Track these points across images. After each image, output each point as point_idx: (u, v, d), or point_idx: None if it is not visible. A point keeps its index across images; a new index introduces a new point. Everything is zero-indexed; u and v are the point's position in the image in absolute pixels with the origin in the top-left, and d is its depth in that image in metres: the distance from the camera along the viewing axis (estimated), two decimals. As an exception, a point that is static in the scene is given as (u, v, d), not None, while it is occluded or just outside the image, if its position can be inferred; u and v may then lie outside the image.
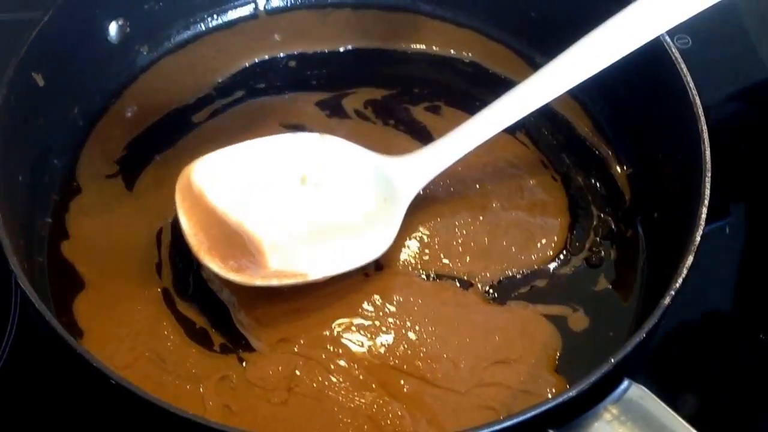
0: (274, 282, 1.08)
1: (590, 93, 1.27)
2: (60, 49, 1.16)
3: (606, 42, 1.12)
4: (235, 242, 1.10)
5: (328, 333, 1.09)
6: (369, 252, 1.12)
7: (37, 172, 1.17)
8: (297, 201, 1.14)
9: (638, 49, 1.14)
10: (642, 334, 0.93)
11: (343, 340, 1.09)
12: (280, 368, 1.06)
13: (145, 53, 1.31)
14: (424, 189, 1.17)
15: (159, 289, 1.13)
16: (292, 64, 1.36)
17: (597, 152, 1.26)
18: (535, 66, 1.28)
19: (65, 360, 0.96)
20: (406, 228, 1.15)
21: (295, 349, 1.08)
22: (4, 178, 1.06)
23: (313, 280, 1.09)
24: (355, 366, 1.07)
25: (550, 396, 1.04)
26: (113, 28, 1.25)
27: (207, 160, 1.12)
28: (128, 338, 1.09)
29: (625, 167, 1.23)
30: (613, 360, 0.91)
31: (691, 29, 1.26)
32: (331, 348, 1.08)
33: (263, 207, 1.13)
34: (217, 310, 1.11)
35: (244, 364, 1.07)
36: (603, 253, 1.16)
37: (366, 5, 1.36)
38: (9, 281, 1.14)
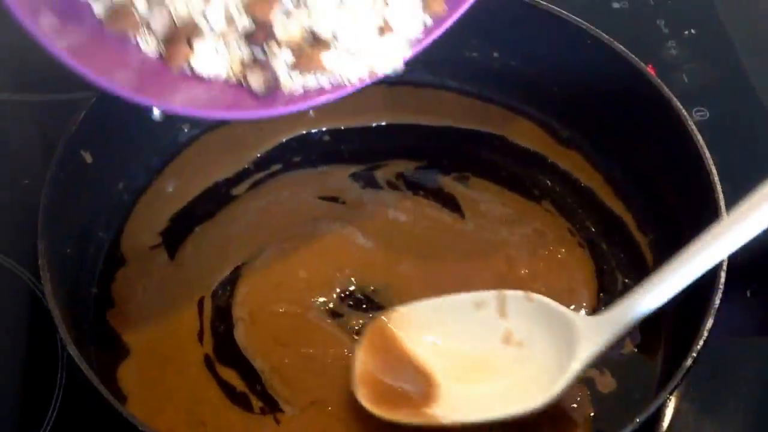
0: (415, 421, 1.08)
1: (610, 163, 1.31)
2: (107, 128, 1.20)
3: None
4: (405, 390, 1.11)
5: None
6: (524, 404, 1.07)
7: (83, 244, 1.21)
8: (491, 356, 1.13)
9: (659, 122, 1.20)
10: (666, 395, 0.98)
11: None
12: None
13: (186, 130, 1.35)
14: (453, 253, 1.21)
15: (201, 356, 1.17)
16: (326, 138, 1.40)
17: (619, 220, 1.29)
18: (557, 138, 1.34)
19: (110, 425, 0.99)
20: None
21: (329, 409, 1.11)
22: (52, 249, 1.09)
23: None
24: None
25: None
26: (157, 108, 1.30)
27: (410, 309, 1.15)
28: (171, 403, 1.13)
29: (646, 234, 1.26)
30: (638, 420, 0.95)
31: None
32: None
33: (457, 358, 1.13)
34: (255, 375, 1.15)
35: (279, 424, 1.11)
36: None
37: (399, 82, 1.40)
38: (57, 349, 1.17)
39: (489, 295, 1.14)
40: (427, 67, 1.39)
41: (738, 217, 1.02)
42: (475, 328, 1.13)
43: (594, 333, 1.06)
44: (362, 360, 1.11)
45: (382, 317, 1.14)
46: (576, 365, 1.05)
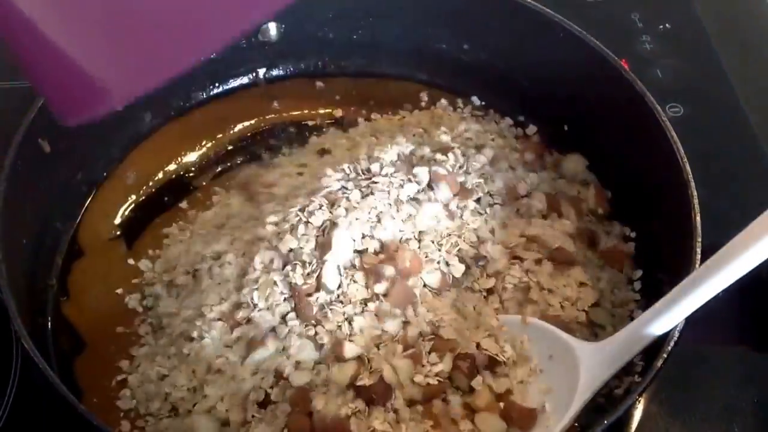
0: None
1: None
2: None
3: None
4: None
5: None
6: None
7: (40, 235, 1.19)
8: None
9: (632, 118, 1.18)
10: (634, 397, 0.96)
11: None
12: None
13: (147, 120, 1.33)
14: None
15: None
16: (291, 129, 1.38)
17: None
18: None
19: (66, 419, 0.98)
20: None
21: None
22: (8, 241, 1.07)
23: None
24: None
25: None
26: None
27: None
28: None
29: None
30: (606, 421, 0.93)
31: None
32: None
33: None
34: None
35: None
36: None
37: (364, 74, 1.40)
38: (11, 341, 1.15)
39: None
40: (394, 58, 1.37)
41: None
42: None
43: (596, 364, 1.02)
44: None
45: None
46: (578, 404, 1.01)
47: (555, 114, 1.30)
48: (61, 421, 1.03)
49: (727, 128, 1.40)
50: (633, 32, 1.50)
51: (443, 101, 1.38)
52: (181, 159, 1.33)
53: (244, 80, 1.41)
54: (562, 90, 1.27)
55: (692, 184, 1.09)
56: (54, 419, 1.08)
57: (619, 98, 1.20)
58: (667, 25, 1.51)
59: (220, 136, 1.36)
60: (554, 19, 1.24)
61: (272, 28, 1.36)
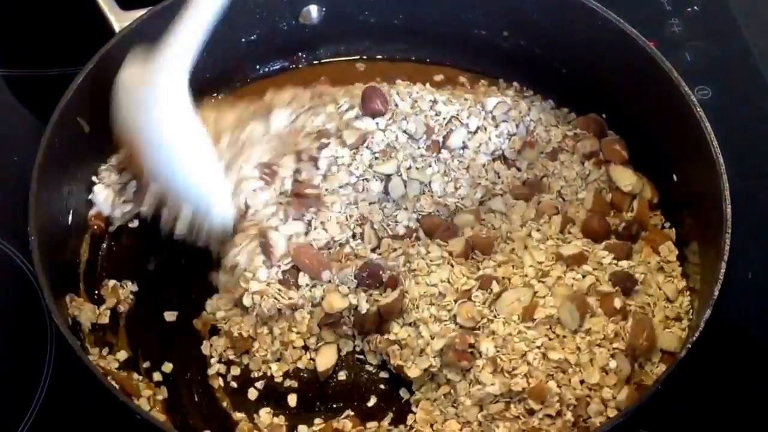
0: None
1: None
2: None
3: None
4: None
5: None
6: None
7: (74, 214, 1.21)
8: None
9: (661, 100, 1.19)
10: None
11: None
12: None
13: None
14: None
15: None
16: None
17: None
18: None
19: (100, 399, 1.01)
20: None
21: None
22: (41, 218, 1.09)
23: None
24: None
25: None
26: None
27: None
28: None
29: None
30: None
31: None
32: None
33: None
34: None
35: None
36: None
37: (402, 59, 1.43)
38: (45, 322, 1.17)
39: None
40: (434, 43, 1.39)
41: None
42: None
43: None
44: None
45: None
46: None
47: (592, 101, 1.31)
48: (95, 401, 1.07)
49: (755, 110, 1.40)
50: (662, 15, 1.50)
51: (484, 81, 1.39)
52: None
53: (285, 63, 1.41)
54: (598, 76, 1.28)
55: (722, 167, 1.10)
56: (88, 400, 1.11)
57: (650, 81, 1.22)
58: (695, 7, 1.51)
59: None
60: (591, 6, 1.25)
61: (313, 11, 1.36)
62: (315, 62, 1.42)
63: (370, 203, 1.22)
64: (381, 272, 1.14)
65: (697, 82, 1.38)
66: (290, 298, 1.14)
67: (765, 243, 1.25)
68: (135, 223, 1.25)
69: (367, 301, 1.13)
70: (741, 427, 1.15)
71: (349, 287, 1.14)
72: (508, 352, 1.07)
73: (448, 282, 1.15)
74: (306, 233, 1.19)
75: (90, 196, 1.22)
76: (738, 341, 1.19)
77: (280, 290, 1.14)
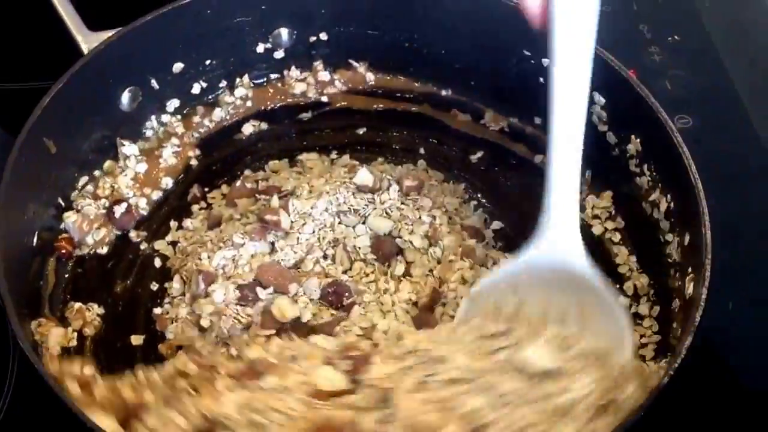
0: None
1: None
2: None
3: None
4: None
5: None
6: None
7: (41, 234, 1.18)
8: None
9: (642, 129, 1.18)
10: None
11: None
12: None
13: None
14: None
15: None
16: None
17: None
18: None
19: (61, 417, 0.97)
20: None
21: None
22: (7, 240, 1.08)
23: None
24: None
25: None
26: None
27: None
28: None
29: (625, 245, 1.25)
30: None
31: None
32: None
33: None
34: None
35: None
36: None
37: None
38: (8, 341, 1.16)
39: None
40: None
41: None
42: None
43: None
44: None
45: None
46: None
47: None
48: (57, 418, 1.01)
49: (735, 139, 1.40)
50: (642, 44, 1.49)
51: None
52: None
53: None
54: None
55: (701, 193, 1.09)
56: (50, 416, 1.06)
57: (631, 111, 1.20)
58: (675, 36, 1.50)
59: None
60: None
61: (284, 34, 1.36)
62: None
63: (346, 226, 1.21)
64: (346, 294, 1.13)
65: (678, 110, 1.37)
66: (248, 315, 1.12)
67: (745, 270, 1.24)
68: (104, 250, 1.23)
69: (313, 315, 1.13)
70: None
71: (310, 298, 1.14)
72: None
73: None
74: (270, 252, 1.19)
75: (62, 224, 1.21)
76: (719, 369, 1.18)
77: (237, 310, 1.13)
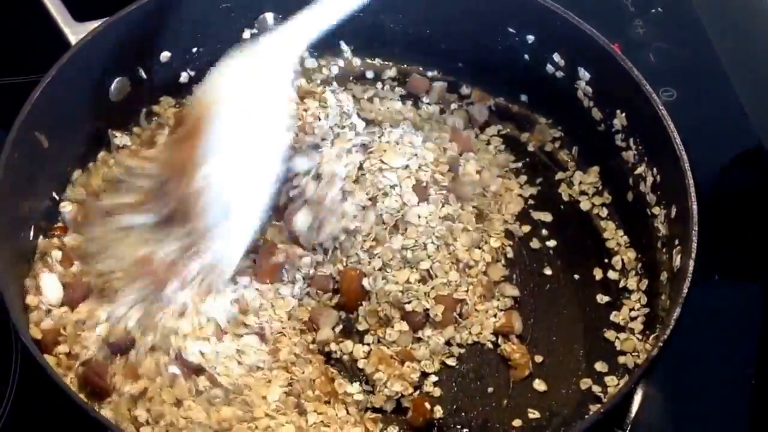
0: None
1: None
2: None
3: None
4: None
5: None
6: None
7: (37, 229, 1.18)
8: None
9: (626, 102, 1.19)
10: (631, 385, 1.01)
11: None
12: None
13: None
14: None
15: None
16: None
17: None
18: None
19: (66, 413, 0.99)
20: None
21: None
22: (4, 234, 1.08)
23: None
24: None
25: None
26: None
27: None
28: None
29: (613, 219, 1.27)
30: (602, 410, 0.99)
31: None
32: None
33: None
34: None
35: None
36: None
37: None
38: (10, 336, 1.15)
39: None
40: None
41: None
42: None
43: None
44: None
45: None
46: None
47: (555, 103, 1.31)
48: (62, 415, 1.04)
49: (719, 111, 1.41)
50: (625, 16, 1.50)
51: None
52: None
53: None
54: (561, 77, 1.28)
55: (687, 165, 1.11)
56: (55, 413, 1.09)
57: (614, 85, 1.22)
58: (659, 9, 1.51)
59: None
60: (551, 7, 1.25)
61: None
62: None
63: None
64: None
65: (661, 83, 1.38)
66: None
67: (730, 241, 1.26)
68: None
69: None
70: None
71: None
72: None
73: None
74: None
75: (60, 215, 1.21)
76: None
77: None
